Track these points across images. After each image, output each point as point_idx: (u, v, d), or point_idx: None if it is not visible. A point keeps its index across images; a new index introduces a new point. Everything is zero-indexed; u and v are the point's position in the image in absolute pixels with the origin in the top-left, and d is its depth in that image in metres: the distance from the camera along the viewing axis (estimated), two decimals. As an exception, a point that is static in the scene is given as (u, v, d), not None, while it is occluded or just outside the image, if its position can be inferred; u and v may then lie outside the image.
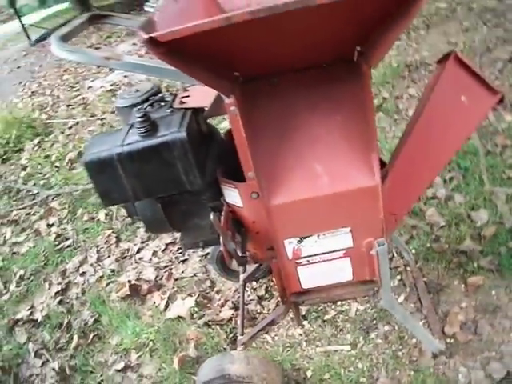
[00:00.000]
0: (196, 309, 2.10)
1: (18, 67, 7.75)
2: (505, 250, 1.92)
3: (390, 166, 1.30)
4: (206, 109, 1.20)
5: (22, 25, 9.36)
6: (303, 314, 1.91)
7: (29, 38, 9.44)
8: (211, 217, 1.14)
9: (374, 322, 1.83)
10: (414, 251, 2.02)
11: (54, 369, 2.02)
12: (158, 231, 1.54)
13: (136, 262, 2.54)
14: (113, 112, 4.23)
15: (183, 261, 2.45)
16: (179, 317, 2.10)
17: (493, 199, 2.18)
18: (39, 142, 4.17)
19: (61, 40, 1.14)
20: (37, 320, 2.33)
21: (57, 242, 2.84)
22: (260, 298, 2.06)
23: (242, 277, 1.94)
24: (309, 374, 1.73)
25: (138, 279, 2.39)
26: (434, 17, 4.40)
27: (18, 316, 2.38)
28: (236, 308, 2.04)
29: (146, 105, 1.32)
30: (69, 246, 2.80)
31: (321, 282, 1.38)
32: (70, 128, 4.31)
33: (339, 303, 1.93)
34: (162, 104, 1.31)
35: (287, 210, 1.21)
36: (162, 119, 1.21)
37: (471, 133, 1.32)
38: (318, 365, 1.74)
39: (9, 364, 2.12)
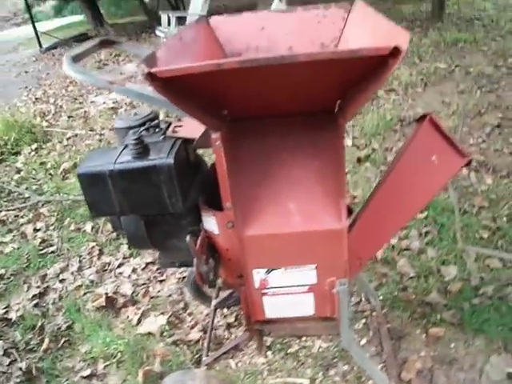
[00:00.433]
0: (167, 327, 2.16)
1: (26, 72, 7.94)
2: (468, 306, 2.01)
3: (360, 214, 1.41)
4: (196, 140, 1.30)
5: (36, 31, 9.63)
6: (268, 344, 1.97)
7: (40, 44, 9.73)
8: (187, 240, 1.23)
9: (335, 360, 1.89)
10: (381, 297, 2.10)
11: (20, 368, 2.05)
12: (139, 247, 1.62)
13: (115, 276, 2.60)
14: (112, 129, 4.36)
15: (161, 281, 2.51)
16: (149, 333, 2.15)
17: (463, 257, 2.28)
18: (36, 148, 4.27)
19: (72, 60, 1.25)
20: (11, 319, 2.37)
21: (41, 247, 2.91)
22: (229, 325, 2.11)
23: (213, 302, 2.02)
24: (265, 402, 1.78)
25: (115, 292, 2.45)
26: (432, 76, 4.62)
27: (-7, 316, 2.42)
28: (205, 331, 2.10)
29: (141, 129, 1.43)
30: (52, 252, 2.86)
31: (284, 314, 1.46)
32: (69, 139, 4.43)
33: (304, 339, 2.00)
34: (157, 130, 1.42)
35: (258, 241, 1.30)
36: (154, 144, 1.31)
37: (437, 191, 1.42)
38: (275, 395, 1.80)
39: (-23, 361, 2.15)
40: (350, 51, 0.85)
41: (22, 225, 3.15)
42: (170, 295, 2.40)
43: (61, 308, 2.41)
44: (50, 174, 3.75)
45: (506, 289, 2.08)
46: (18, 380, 2.01)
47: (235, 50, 1.55)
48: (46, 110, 5.24)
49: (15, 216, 3.26)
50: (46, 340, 2.20)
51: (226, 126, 1.21)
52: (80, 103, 5.38)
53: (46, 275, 2.68)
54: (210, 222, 1.38)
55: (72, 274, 2.67)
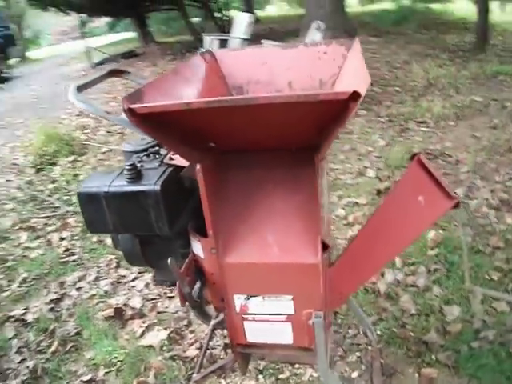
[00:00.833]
0: (166, 342, 2.24)
1: (73, 86, 8.34)
2: (465, 349, 1.98)
3: (345, 249, 1.45)
4: (184, 169, 1.39)
5: (87, 47, 10.18)
6: (261, 368, 2.02)
7: (91, 59, 10.23)
8: (169, 261, 1.31)
9: (323, 391, 1.91)
10: (379, 332, 2.10)
11: (28, 367, 2.18)
12: (134, 264, 1.71)
13: (128, 289, 2.71)
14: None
15: (170, 297, 2.61)
16: (150, 346, 2.24)
17: (469, 297, 2.24)
18: (73, 161, 4.52)
19: (76, 89, 1.37)
20: (26, 321, 2.52)
21: (63, 255, 3.07)
22: (226, 345, 2.17)
23: (212, 322, 2.07)
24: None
25: (125, 304, 2.56)
26: (466, 109, 4.56)
27: (12, 313, 2.58)
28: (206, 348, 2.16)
29: (143, 154, 1.53)
30: (73, 261, 3.02)
31: (264, 340, 1.50)
32: (104, 153, 4.65)
33: (296, 366, 2.02)
34: (156, 157, 1.51)
35: (237, 268, 1.36)
36: (148, 170, 1.41)
37: (422, 231, 1.44)
38: (260, 419, 1.83)
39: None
40: (307, 95, 0.91)
41: (49, 232, 3.34)
42: (176, 312, 2.48)
43: (73, 314, 2.54)
44: (81, 187, 3.95)
45: (510, 335, 2.04)
46: (25, 378, 2.14)
47: (237, 84, 1.64)
48: (86, 124, 5.52)
49: (44, 224, 3.46)
50: (55, 343, 2.33)
51: (211, 157, 1.29)
52: (118, 119, 5.64)
53: (64, 282, 2.83)
54: (197, 247, 1.45)
55: (88, 283, 2.81)
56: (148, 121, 1.05)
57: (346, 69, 1.48)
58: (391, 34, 8.74)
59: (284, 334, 1.47)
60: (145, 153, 1.54)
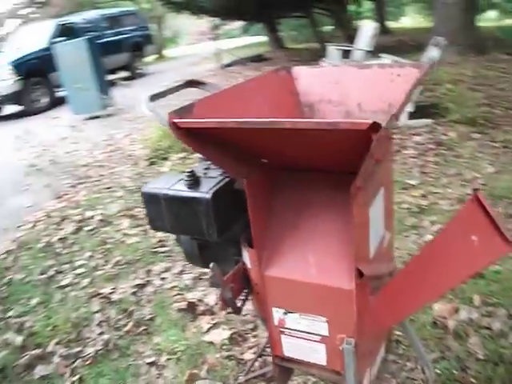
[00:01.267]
0: (227, 341, 2.34)
1: (199, 85, 8.90)
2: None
3: (390, 280, 1.41)
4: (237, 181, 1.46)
5: (217, 48, 10.79)
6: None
7: (220, 60, 10.83)
8: (211, 266, 1.40)
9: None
10: (438, 371, 1.98)
11: (103, 340, 2.43)
12: (193, 264, 1.82)
13: (206, 286, 2.86)
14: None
15: (243, 300, 2.69)
16: (212, 342, 2.35)
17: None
18: (183, 158, 4.84)
19: (149, 98, 1.51)
20: (111, 299, 2.80)
21: (156, 246, 3.34)
22: (280, 355, 2.20)
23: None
24: None
25: (199, 300, 2.71)
26: None
27: (101, 290, 2.89)
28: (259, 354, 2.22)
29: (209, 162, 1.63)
30: (163, 252, 3.26)
31: (300, 356, 1.52)
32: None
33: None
34: (219, 167, 1.61)
35: (277, 282, 1.40)
36: (208, 178, 1.50)
37: (473, 273, 1.34)
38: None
39: (78, 323, 2.61)
40: (328, 123, 0.92)
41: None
42: (245, 315, 2.57)
43: (151, 301, 2.76)
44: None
45: None
46: (99, 348, 2.39)
47: (309, 102, 1.68)
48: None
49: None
50: (131, 324, 2.56)
51: (258, 173, 1.34)
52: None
53: (151, 270, 3.08)
54: (246, 256, 1.51)
55: (173, 274, 3.02)
56: (192, 135, 1.14)
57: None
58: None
59: (318, 354, 1.47)
60: (211, 162, 1.65)
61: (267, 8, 10.25)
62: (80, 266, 3.19)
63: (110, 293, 2.87)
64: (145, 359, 2.32)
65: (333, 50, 6.66)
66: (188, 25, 24.78)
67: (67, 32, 10.72)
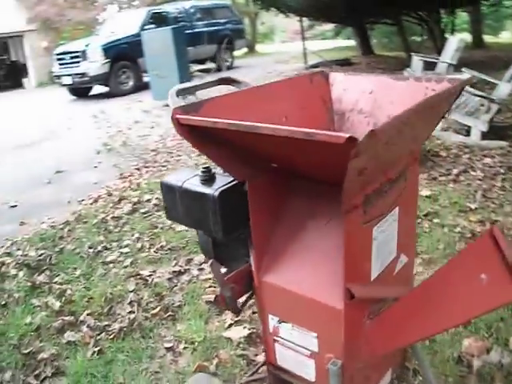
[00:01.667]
0: (244, 340, 2.34)
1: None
2: None
3: (389, 307, 1.34)
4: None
5: (304, 49, 10.78)
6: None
7: (306, 61, 10.79)
8: (209, 263, 1.41)
9: None
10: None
11: (129, 318, 2.54)
12: (208, 257, 1.84)
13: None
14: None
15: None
16: (229, 338, 2.37)
17: None
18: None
19: (175, 93, 1.54)
20: (148, 281, 2.91)
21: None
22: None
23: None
24: None
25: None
26: None
27: (141, 272, 3.01)
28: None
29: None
30: (208, 244, 3.32)
31: (291, 368, 1.50)
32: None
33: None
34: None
35: (272, 289, 1.39)
36: (222, 176, 1.52)
37: (480, 314, 1.22)
38: None
39: (112, 299, 2.74)
40: (305, 133, 0.89)
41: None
42: (270, 316, 2.56)
43: (183, 289, 2.83)
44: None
45: None
46: (124, 325, 2.49)
47: (340, 110, 1.64)
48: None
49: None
50: (159, 308, 2.64)
51: (264, 177, 1.33)
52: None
53: (191, 260, 3.15)
54: (251, 258, 1.51)
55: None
56: (194, 132, 1.15)
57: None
58: None
59: (308, 370, 1.44)
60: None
61: (355, 12, 10.06)
62: (126, 246, 3.35)
63: (149, 275, 2.98)
64: (164, 344, 2.39)
65: (417, 61, 6.40)
66: (285, 23, 25.02)
67: (159, 20, 11.27)
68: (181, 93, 1.53)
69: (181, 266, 3.08)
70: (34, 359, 2.35)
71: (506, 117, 5.12)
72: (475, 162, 4.21)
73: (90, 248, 3.33)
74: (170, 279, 2.93)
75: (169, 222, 3.63)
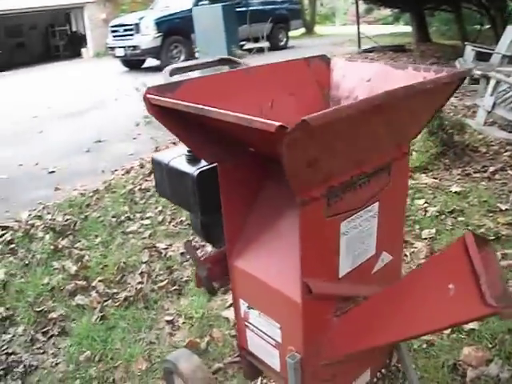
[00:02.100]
0: (241, 322, 2.36)
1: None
2: None
3: (356, 306, 1.29)
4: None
5: (358, 33, 10.45)
6: None
7: (359, 45, 10.48)
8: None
9: None
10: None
11: (136, 288, 2.61)
12: (201, 239, 1.85)
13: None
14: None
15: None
16: (227, 318, 2.39)
17: None
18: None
19: (169, 72, 1.53)
20: (162, 254, 2.97)
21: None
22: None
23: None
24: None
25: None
26: None
27: (157, 244, 3.08)
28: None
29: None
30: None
31: (260, 355, 1.49)
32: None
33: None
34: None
35: (241, 275, 1.38)
36: (206, 158, 1.51)
37: (447, 326, 1.14)
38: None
39: (125, 268, 2.83)
40: (245, 119, 0.87)
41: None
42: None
43: (193, 265, 2.87)
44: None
45: None
46: (129, 294, 2.58)
47: (337, 97, 1.58)
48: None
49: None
50: (167, 281, 2.70)
51: (236, 161, 1.31)
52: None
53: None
54: (228, 242, 1.51)
55: (225, 244, 3.09)
56: (165, 114, 1.14)
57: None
58: None
59: (273, 359, 1.43)
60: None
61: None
62: (148, 218, 3.44)
63: (164, 248, 3.05)
64: (165, 316, 2.45)
65: (469, 51, 6.05)
66: (347, 5, 24.35)
67: (208, -3, 11.21)
68: (176, 72, 1.52)
69: (196, 242, 3.11)
70: (44, 317, 2.49)
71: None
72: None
73: (113, 217, 3.44)
74: (182, 254, 2.98)
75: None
